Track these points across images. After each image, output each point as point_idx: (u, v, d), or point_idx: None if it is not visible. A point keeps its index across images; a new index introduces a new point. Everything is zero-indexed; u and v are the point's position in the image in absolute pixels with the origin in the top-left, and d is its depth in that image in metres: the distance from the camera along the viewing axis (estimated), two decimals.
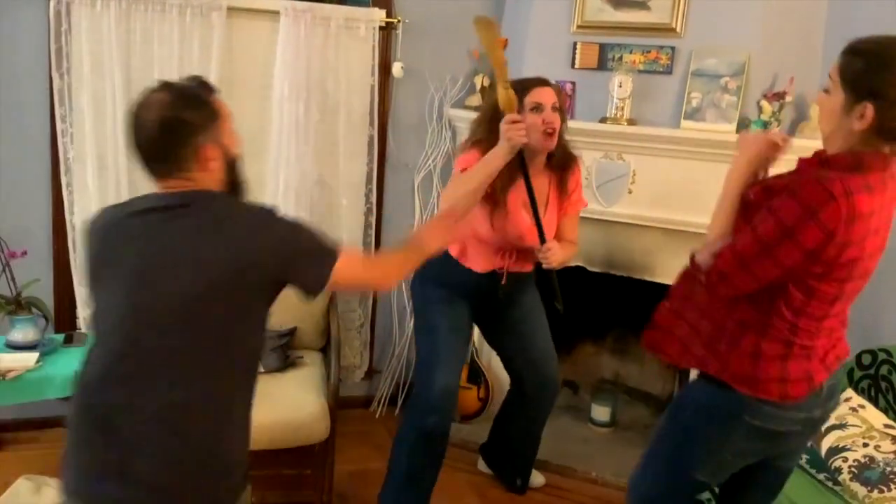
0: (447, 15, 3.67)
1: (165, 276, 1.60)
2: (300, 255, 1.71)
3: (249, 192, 1.82)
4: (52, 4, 3.07)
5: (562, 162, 2.77)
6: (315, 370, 3.11)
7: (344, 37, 3.46)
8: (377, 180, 3.69)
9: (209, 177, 1.69)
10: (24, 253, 2.92)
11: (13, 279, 2.86)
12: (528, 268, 2.88)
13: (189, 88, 1.69)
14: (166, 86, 1.67)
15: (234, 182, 1.76)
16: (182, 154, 1.64)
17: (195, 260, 1.61)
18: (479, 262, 2.79)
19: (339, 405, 2.96)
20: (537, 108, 2.63)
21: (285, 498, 2.87)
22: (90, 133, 3.20)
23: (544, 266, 2.66)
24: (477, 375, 3.68)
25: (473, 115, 3.54)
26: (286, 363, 3.12)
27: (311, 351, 3.31)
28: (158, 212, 1.65)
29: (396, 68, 3.58)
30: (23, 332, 2.82)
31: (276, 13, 3.34)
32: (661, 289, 3.37)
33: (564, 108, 2.75)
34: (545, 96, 2.66)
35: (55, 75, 3.15)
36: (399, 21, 3.57)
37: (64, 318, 3.36)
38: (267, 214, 1.71)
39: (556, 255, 2.64)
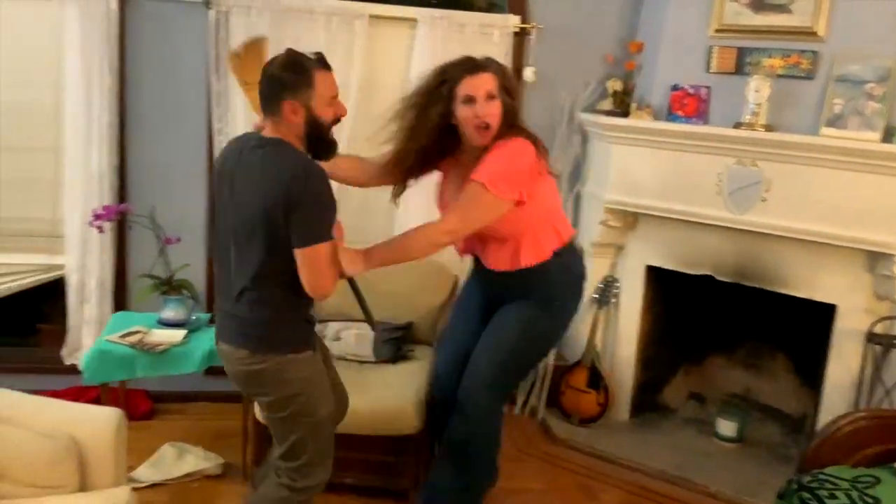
0: (582, 20, 3.70)
1: (242, 195, 2.09)
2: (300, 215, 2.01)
3: (331, 153, 2.17)
4: (211, 13, 3.36)
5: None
6: (424, 364, 3.17)
7: (478, 43, 3.55)
8: None
9: (291, 128, 2.07)
10: (178, 239, 3.20)
11: (168, 263, 3.15)
12: (495, 264, 2.56)
13: (298, 56, 2.07)
14: (287, 51, 2.09)
15: (312, 139, 2.10)
16: (273, 103, 2.06)
17: (252, 189, 2.06)
18: None
19: None
20: (468, 100, 2.34)
21: (382, 482, 2.99)
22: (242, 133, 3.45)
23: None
24: (597, 380, 3.66)
25: (605, 119, 3.56)
26: (398, 355, 3.23)
27: (426, 346, 3.37)
28: (252, 146, 2.11)
29: (528, 73, 3.64)
30: (174, 310, 3.12)
31: (414, 20, 3.50)
32: (797, 302, 3.28)
33: (512, 87, 2.43)
34: (477, 86, 2.33)
35: (213, 79, 3.43)
36: (533, 27, 3.63)
37: (212, 300, 3.64)
38: (301, 171, 2.02)
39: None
